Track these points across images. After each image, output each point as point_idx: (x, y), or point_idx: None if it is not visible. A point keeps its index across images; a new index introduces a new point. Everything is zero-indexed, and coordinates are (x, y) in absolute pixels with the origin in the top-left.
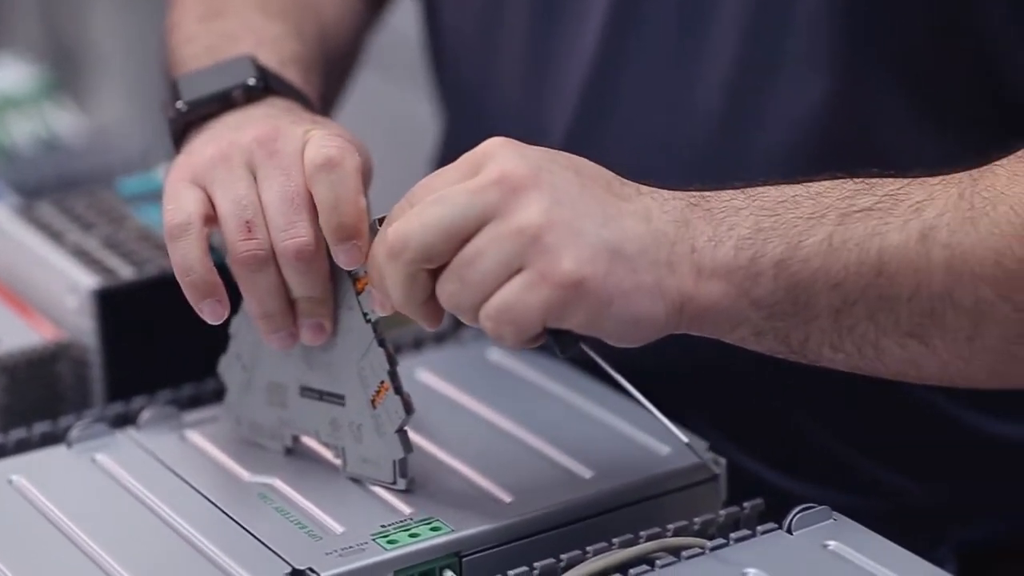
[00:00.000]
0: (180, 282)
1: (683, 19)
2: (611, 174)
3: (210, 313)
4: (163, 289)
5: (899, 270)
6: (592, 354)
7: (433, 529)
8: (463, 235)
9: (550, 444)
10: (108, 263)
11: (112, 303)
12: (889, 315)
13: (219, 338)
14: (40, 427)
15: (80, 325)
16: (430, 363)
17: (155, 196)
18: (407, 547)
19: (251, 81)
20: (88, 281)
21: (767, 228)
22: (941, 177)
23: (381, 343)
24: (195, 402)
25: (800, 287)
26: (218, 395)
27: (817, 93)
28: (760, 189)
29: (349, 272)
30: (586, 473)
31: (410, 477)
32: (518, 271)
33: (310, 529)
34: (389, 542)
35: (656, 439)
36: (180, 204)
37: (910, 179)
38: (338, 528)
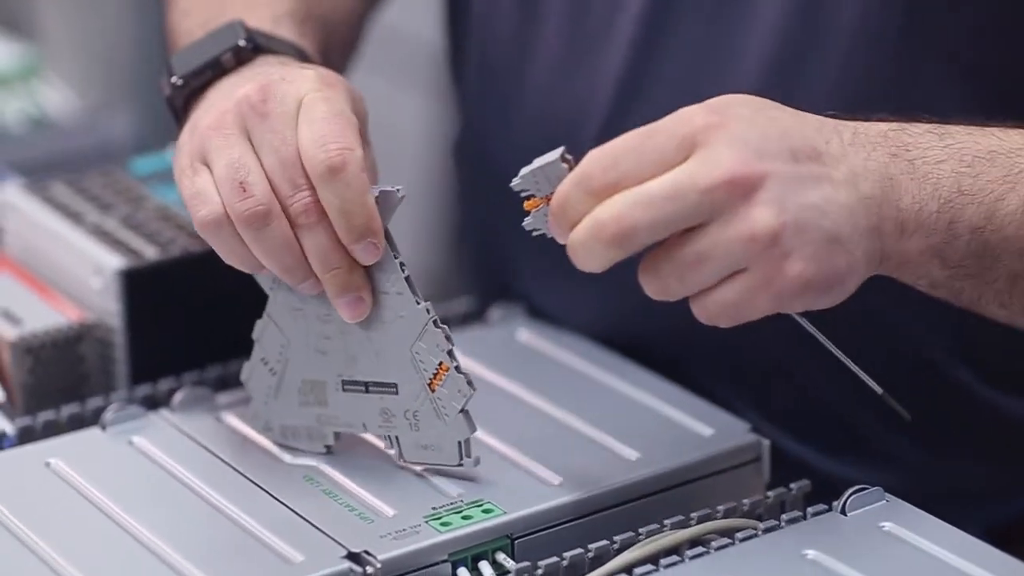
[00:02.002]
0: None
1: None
2: (813, 128)
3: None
4: (187, 269)
5: None
6: (803, 322)
7: (485, 511)
8: (687, 228)
9: (592, 425)
10: (131, 243)
11: (137, 283)
12: None
13: (242, 318)
14: (68, 409)
15: (104, 306)
16: (460, 344)
17: (169, 175)
18: (461, 529)
19: (240, 43)
20: (113, 262)
21: (967, 191)
22: None
23: (435, 323)
24: (222, 383)
25: (988, 252)
26: None
27: (862, 75)
28: (955, 136)
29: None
30: (632, 455)
31: (475, 456)
32: (741, 271)
33: (360, 512)
34: (442, 524)
35: (698, 420)
36: (204, 196)
37: None
38: (389, 511)
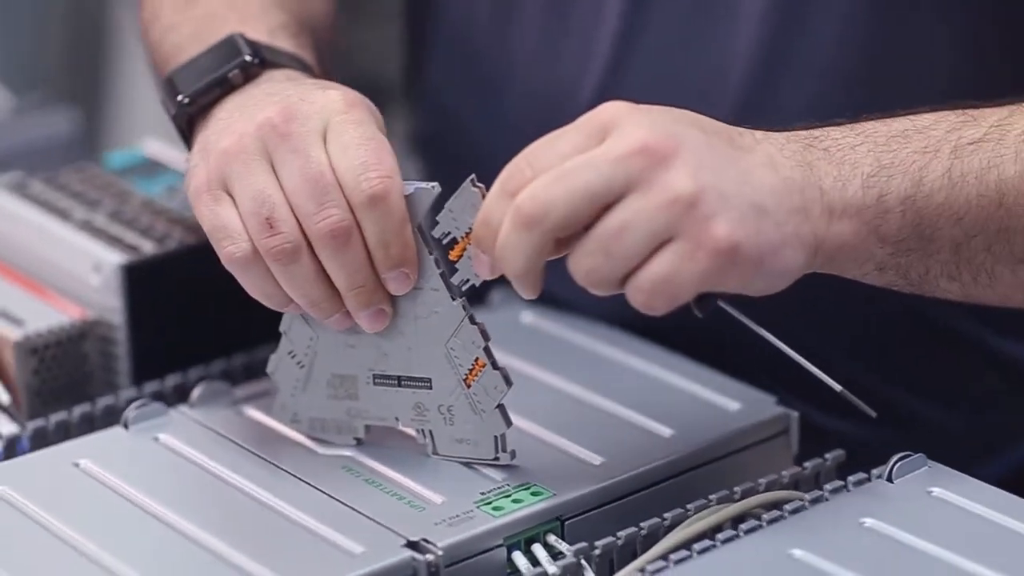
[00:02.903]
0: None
1: None
2: (725, 125)
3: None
4: (187, 262)
5: (1016, 201)
6: (733, 311)
7: (534, 494)
8: (606, 204)
9: (619, 404)
10: (127, 239)
11: (138, 278)
12: (1005, 245)
13: (242, 311)
14: (79, 409)
15: (104, 302)
16: None
17: (145, 168)
18: (514, 513)
19: (247, 58)
20: (113, 257)
21: (888, 165)
22: None
23: (471, 320)
24: (227, 376)
25: (925, 222)
26: (248, 370)
27: (856, 33)
28: (866, 125)
29: (441, 243)
30: (665, 432)
31: (511, 450)
32: (667, 241)
33: (409, 500)
34: (494, 509)
35: (724, 395)
36: (229, 231)
37: (1008, 108)
38: (437, 498)
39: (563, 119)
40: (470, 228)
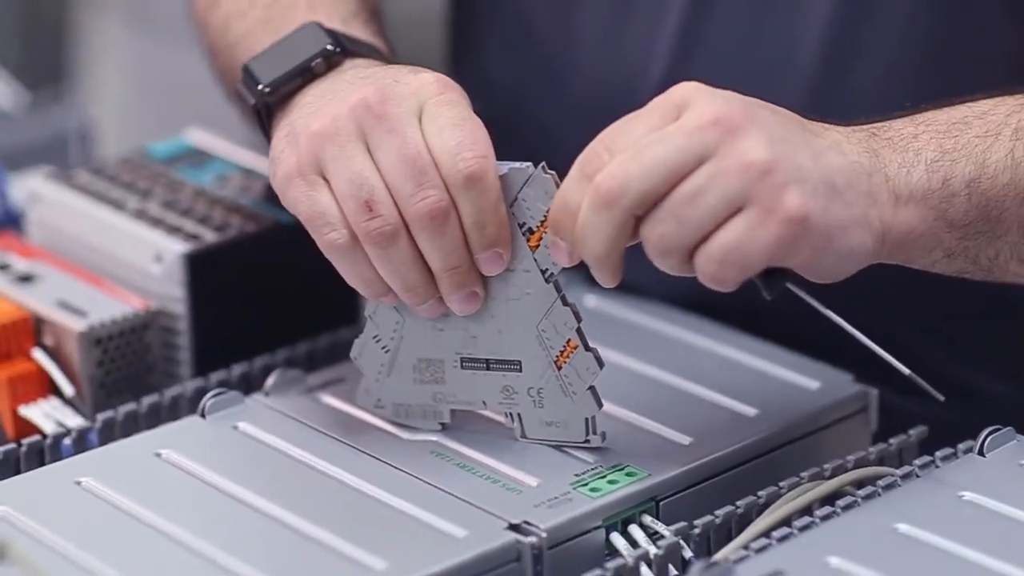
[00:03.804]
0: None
1: None
2: (794, 113)
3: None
4: (248, 250)
5: None
6: (800, 292)
7: (628, 475)
8: (682, 176)
9: (699, 385)
10: (186, 228)
11: (201, 267)
12: None
13: (302, 298)
14: (148, 400)
15: (165, 292)
16: None
17: (190, 157)
18: (611, 494)
19: (329, 47)
20: (175, 247)
21: (951, 150)
22: None
23: (563, 301)
24: (290, 364)
25: (992, 204)
26: (312, 357)
27: (922, 21)
28: (926, 115)
29: (522, 228)
30: (749, 412)
31: (602, 432)
32: (739, 210)
33: (504, 483)
34: (592, 490)
35: (801, 374)
36: (329, 217)
37: None
38: (532, 480)
39: (629, 105)
40: (545, 216)
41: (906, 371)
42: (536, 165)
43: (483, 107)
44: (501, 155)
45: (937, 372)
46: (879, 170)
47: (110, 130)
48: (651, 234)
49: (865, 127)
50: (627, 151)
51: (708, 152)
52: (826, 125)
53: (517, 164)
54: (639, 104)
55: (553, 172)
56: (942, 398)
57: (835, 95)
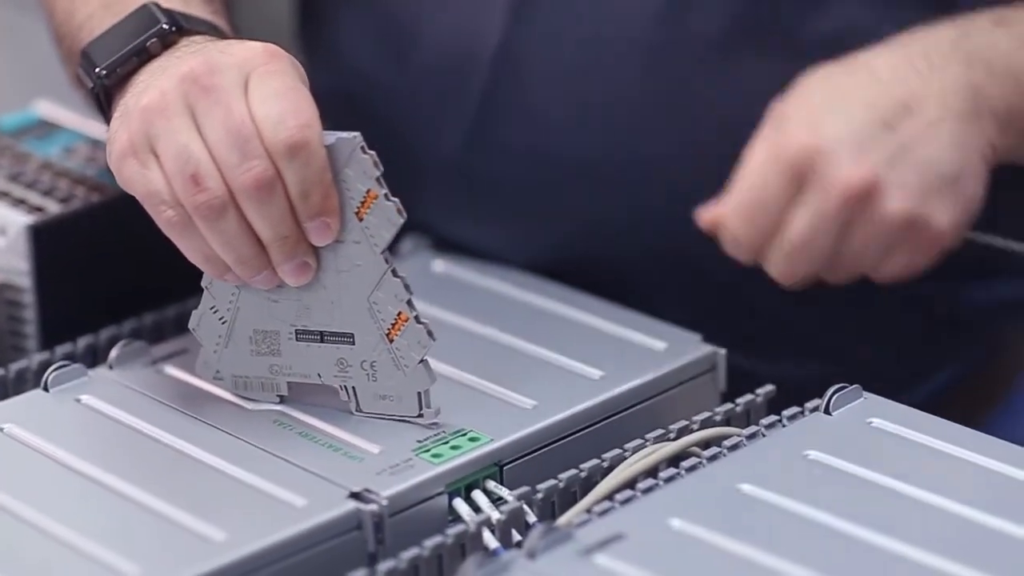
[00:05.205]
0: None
1: None
2: (890, 79)
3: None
4: (93, 221)
5: None
6: None
7: (471, 440)
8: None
9: (544, 348)
10: (31, 200)
11: (46, 239)
12: None
13: (150, 268)
14: None
15: (11, 265)
16: None
17: (39, 129)
18: (453, 460)
19: (164, 26)
20: (19, 219)
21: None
22: None
23: (394, 272)
24: (138, 336)
25: None
26: (159, 328)
27: None
28: (1013, 21)
29: (352, 200)
30: (595, 374)
31: (435, 408)
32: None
33: (345, 451)
34: (433, 456)
35: (648, 335)
36: (162, 196)
37: None
38: (374, 447)
39: (469, 71)
40: (368, 190)
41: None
42: (357, 145)
43: (335, 78)
44: (353, 125)
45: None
46: (983, 113)
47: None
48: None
49: (961, 47)
50: (783, 249)
51: (855, 223)
52: (923, 69)
53: (344, 134)
54: (475, 76)
55: (372, 152)
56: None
57: (678, 42)
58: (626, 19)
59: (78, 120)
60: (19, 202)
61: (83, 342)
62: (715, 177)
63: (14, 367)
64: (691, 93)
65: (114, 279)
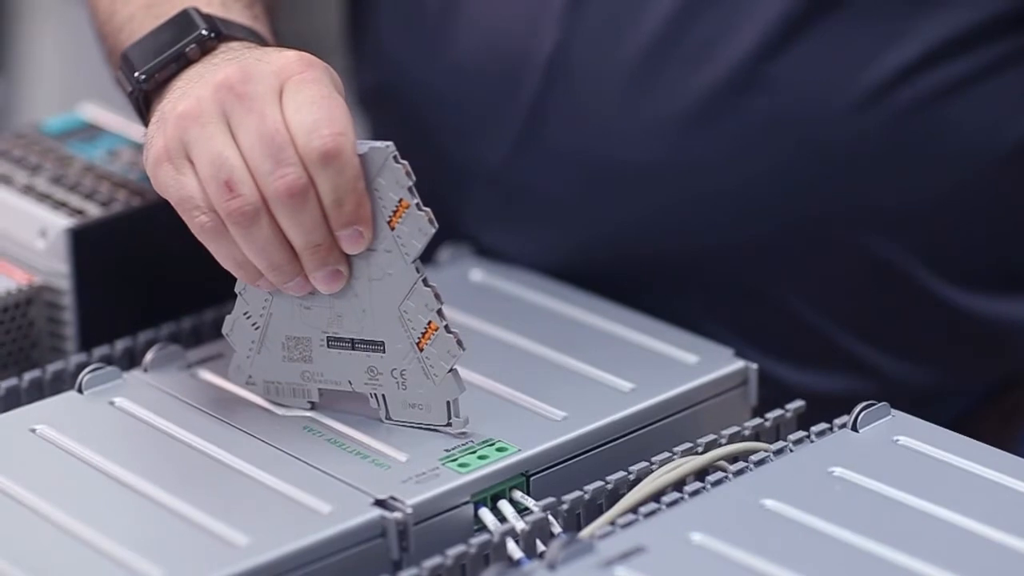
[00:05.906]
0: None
1: None
2: None
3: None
4: (133, 225)
5: None
6: None
7: (499, 450)
8: None
9: (576, 360)
10: (72, 203)
11: (85, 242)
12: None
13: (189, 273)
14: (29, 375)
15: (50, 267)
16: None
17: (84, 132)
18: (480, 470)
19: (203, 32)
20: (60, 221)
21: None
22: None
23: (424, 282)
24: (176, 340)
25: None
26: (197, 332)
27: None
28: None
29: (384, 209)
30: (625, 386)
31: (464, 418)
32: None
33: (373, 459)
34: (460, 465)
35: (680, 349)
36: (196, 201)
37: None
38: (401, 456)
39: (518, 69)
40: (400, 200)
41: None
42: (390, 154)
43: (376, 79)
44: (393, 125)
45: (829, 344)
46: None
47: (52, 100)
48: None
49: None
50: None
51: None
52: None
53: (377, 143)
54: (529, 70)
55: (405, 162)
56: None
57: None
58: (680, 31)
59: (122, 123)
60: (60, 205)
61: (121, 345)
62: (765, 179)
63: (51, 368)
64: (746, 91)
65: (153, 283)
